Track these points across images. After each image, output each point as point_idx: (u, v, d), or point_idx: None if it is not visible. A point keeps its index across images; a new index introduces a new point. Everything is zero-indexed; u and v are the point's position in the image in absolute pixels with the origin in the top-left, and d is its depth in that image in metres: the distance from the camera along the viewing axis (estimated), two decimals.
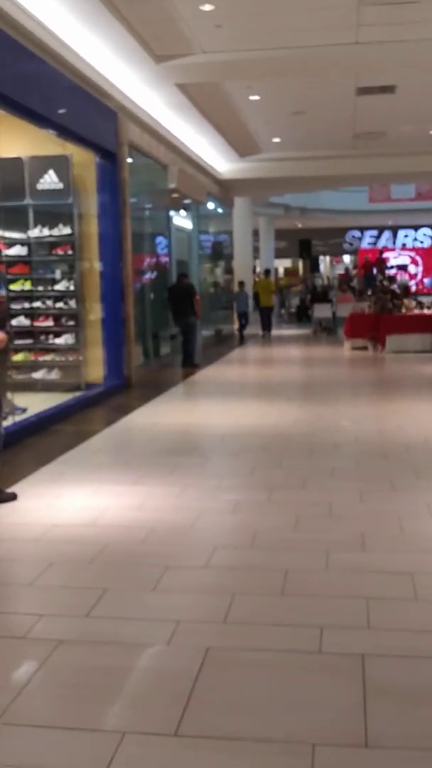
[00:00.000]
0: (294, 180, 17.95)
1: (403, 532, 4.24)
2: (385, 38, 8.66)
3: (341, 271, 33.00)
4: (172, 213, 14.68)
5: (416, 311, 14.95)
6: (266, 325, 18.73)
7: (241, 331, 18.48)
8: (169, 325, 13.09)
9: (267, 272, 20.19)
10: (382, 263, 21.18)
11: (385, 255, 33.38)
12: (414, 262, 32.51)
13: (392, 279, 15.85)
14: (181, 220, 16.18)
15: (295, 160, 16.64)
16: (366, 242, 36.57)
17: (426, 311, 14.87)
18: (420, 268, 32.37)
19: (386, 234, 36.47)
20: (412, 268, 30.88)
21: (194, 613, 3.19)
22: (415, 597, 3.31)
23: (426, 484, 5.27)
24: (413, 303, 15.06)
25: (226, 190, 18.61)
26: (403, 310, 14.81)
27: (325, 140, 15.23)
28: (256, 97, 11.52)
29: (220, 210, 19.13)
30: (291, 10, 7.79)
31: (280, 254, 35.49)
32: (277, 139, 15.00)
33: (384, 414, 8.11)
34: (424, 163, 16.33)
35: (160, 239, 13.41)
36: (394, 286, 15.06)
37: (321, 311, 19.68)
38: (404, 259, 32.24)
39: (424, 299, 15.73)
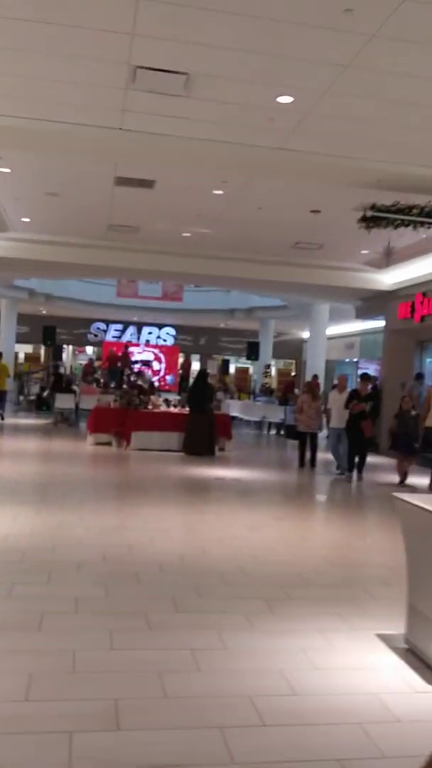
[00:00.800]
0: (41, 264, 17.13)
1: (166, 697, 3.36)
2: (149, 128, 8.39)
3: (85, 361, 32.46)
4: None
5: (162, 408, 14.66)
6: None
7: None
8: None
9: None
10: (127, 357, 20.86)
11: (130, 350, 33.70)
12: (157, 358, 33.12)
13: (140, 374, 15.51)
14: None
15: (44, 243, 15.89)
16: (111, 335, 36.69)
17: (172, 409, 14.63)
18: (163, 365, 33.04)
19: (131, 329, 36.96)
20: (155, 365, 31.32)
21: None
22: None
23: (187, 620, 4.48)
24: (160, 399, 14.77)
25: None
26: (150, 407, 14.43)
27: (79, 227, 14.75)
28: (6, 170, 10.66)
29: None
30: (57, 79, 7.19)
31: (22, 339, 34.09)
32: (26, 219, 14.17)
33: (132, 523, 7.29)
34: (173, 264, 16.53)
35: None
36: (140, 382, 14.71)
37: (63, 401, 18.69)
38: (148, 355, 32.70)
39: (171, 396, 15.53)
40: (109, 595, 4.91)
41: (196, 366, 32.78)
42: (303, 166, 9.24)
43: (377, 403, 17.69)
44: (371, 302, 18.83)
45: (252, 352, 27.16)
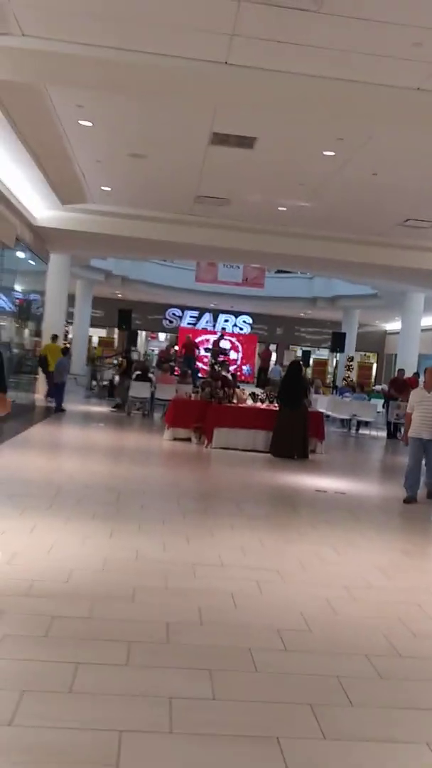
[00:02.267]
0: (121, 241, 15.77)
1: None
2: (260, 62, 6.79)
3: (160, 348, 31.20)
4: None
5: (249, 403, 13.08)
6: (57, 398, 15.99)
7: (59, 404, 15.71)
8: None
9: (54, 337, 17.65)
10: (216, 346, 19.34)
11: (205, 337, 32.27)
12: (234, 347, 31.60)
13: (224, 364, 13.99)
14: None
15: (123, 217, 14.51)
16: (186, 322, 35.42)
17: (260, 404, 13.04)
18: (240, 355, 31.50)
19: (207, 316, 35.62)
20: (232, 354, 29.76)
21: None
22: None
23: (341, 750, 2.89)
24: (246, 393, 13.20)
25: (41, 240, 16.01)
26: (235, 401, 12.87)
27: (164, 199, 13.28)
28: (88, 123, 9.23)
29: (32, 262, 16.41)
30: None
31: (96, 323, 33.13)
32: (107, 188, 12.78)
33: (229, 556, 5.72)
34: (264, 243, 14.89)
35: None
36: (226, 373, 13.20)
37: (138, 390, 17.33)
38: (225, 343, 31.18)
39: (257, 390, 13.95)
40: (218, 696, 3.36)
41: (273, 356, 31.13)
42: None
43: None
44: None
45: (337, 343, 25.24)
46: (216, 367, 13.52)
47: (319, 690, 3.53)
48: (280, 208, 13.02)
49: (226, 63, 6.84)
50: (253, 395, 13.25)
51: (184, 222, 14.47)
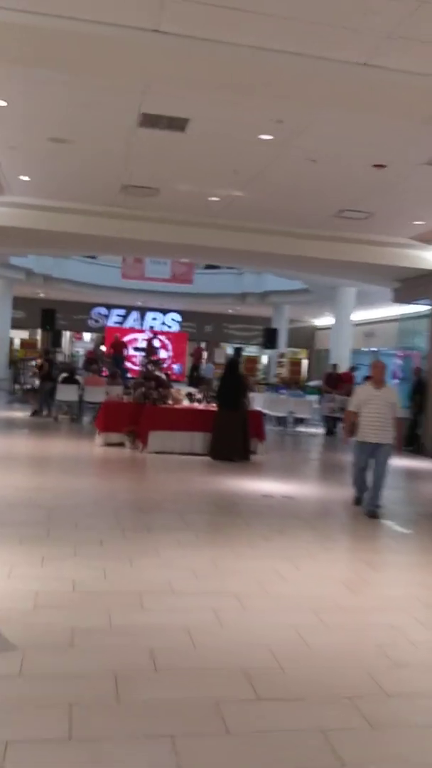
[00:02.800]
0: (42, 235, 14.78)
1: None
2: (194, 31, 6.14)
3: (87, 348, 30.23)
4: None
5: (185, 404, 12.44)
6: None
7: None
8: None
9: None
10: (150, 345, 18.54)
11: (133, 336, 31.45)
12: (164, 346, 30.83)
13: (157, 363, 13.27)
14: None
15: (46, 210, 13.58)
16: (113, 321, 34.45)
17: (196, 405, 12.41)
18: (170, 354, 30.77)
19: (134, 314, 34.77)
20: (162, 353, 28.99)
21: None
22: None
23: None
24: (182, 393, 12.54)
25: None
26: (170, 402, 12.21)
27: (87, 189, 12.44)
28: (2, 103, 8.37)
29: None
30: None
31: (17, 324, 31.77)
32: (25, 177, 11.86)
33: (180, 581, 5.08)
34: (194, 236, 14.22)
35: None
36: (158, 372, 12.49)
37: (65, 393, 16.44)
38: (155, 342, 30.38)
39: (193, 390, 13.31)
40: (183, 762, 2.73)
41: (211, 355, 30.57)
42: (387, 92, 7.03)
43: (423, 398, 15.57)
44: (413, 283, 16.60)
45: (269, 339, 24.91)
46: (149, 366, 12.78)
47: (304, 751, 2.94)
48: (211, 199, 12.40)
49: (157, 31, 6.16)
50: (190, 395, 12.61)
51: (111, 215, 13.67)
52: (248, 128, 8.73)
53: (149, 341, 21.61)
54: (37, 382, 16.30)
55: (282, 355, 29.82)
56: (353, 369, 18.73)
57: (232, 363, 12.08)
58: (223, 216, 13.52)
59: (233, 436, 11.37)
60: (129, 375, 22.57)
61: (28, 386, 17.91)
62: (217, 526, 6.88)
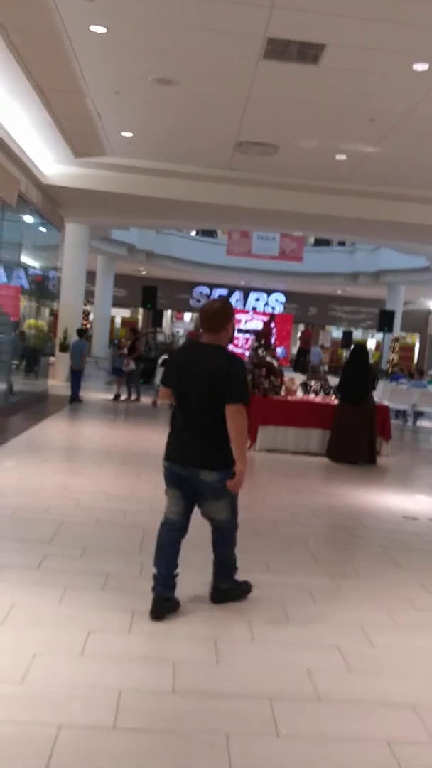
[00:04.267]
0: (143, 203, 13.48)
1: None
2: None
3: (187, 329, 29.03)
4: None
5: (299, 395, 10.81)
6: (74, 387, 13.86)
7: (76, 394, 13.70)
8: None
9: (81, 332, 15.36)
10: (267, 327, 16.91)
11: (237, 317, 30.00)
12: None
13: (269, 348, 11.72)
14: None
15: (148, 173, 12.22)
16: None
17: (313, 397, 10.75)
18: (273, 337, 29.11)
19: (237, 294, 33.32)
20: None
21: None
22: None
23: None
24: (296, 383, 10.90)
25: (52, 203, 13.79)
26: (282, 392, 10.61)
27: (197, 148, 10.94)
28: (101, 29, 6.94)
29: (43, 229, 14.21)
30: None
31: (119, 302, 30.97)
32: (127, 133, 10.50)
33: (324, 657, 3.53)
34: (312, 203, 12.50)
35: None
36: (272, 359, 10.93)
37: None
38: (257, 323, 28.81)
39: (309, 379, 11.63)
40: None
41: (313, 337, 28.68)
42: None
43: None
44: None
45: (385, 322, 22.78)
46: (260, 351, 11.22)
47: None
48: (338, 157, 10.64)
49: None
50: (305, 385, 10.96)
51: (222, 179, 12.14)
52: (399, 55, 6.93)
53: (266, 323, 19.98)
54: (131, 364, 15.01)
55: (396, 340, 27.59)
56: None
57: (360, 350, 10.31)
58: (350, 180, 11.72)
59: (358, 435, 9.66)
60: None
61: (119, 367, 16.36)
62: (358, 568, 5.23)
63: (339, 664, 3.55)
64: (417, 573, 5.15)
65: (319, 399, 10.68)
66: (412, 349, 33.58)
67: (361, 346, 10.86)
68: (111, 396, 15.10)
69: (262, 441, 10.12)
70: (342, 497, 7.58)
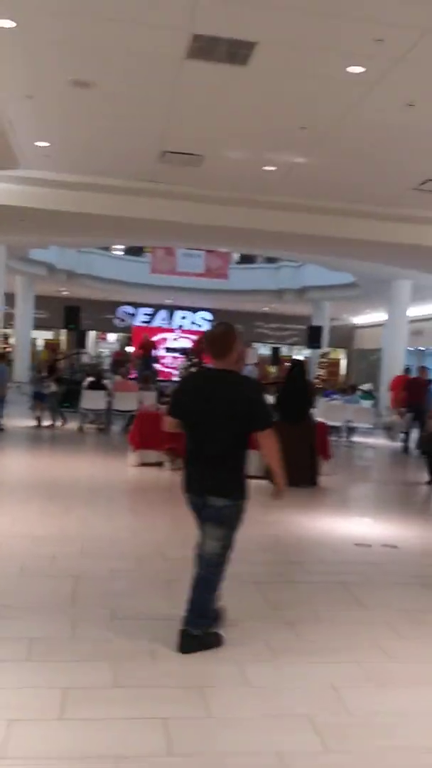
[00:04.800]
0: (62, 218, 12.74)
1: None
2: None
3: (113, 350, 28.24)
4: None
5: None
6: None
7: None
8: None
9: None
10: (199, 344, 16.32)
11: (162, 336, 29.43)
12: (195, 347, 28.74)
13: (201, 365, 11.11)
14: None
15: (66, 187, 11.49)
16: (139, 320, 32.44)
17: None
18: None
19: (162, 313, 32.74)
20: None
21: None
22: None
23: None
24: None
25: None
26: None
27: (118, 159, 10.33)
28: (10, 23, 6.29)
29: None
30: None
31: (40, 324, 29.87)
32: (43, 143, 9.81)
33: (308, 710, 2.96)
34: (238, 217, 12.07)
35: None
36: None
37: (92, 401, 14.39)
38: (185, 342, 28.32)
39: None
40: None
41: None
42: None
43: None
44: None
45: (314, 338, 22.65)
46: (193, 370, 10.66)
47: None
48: (266, 168, 10.26)
49: None
50: None
51: (144, 192, 11.56)
52: (335, 55, 6.56)
53: (197, 341, 19.40)
54: (53, 386, 14.22)
55: (324, 355, 27.60)
56: (407, 371, 16.35)
57: (297, 366, 9.89)
58: (277, 191, 11.35)
59: (298, 456, 9.17)
60: (159, 378, 20.53)
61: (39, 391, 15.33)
62: (318, 610, 4.68)
63: (313, 744, 2.98)
64: (383, 612, 4.65)
65: None
66: (338, 364, 33.81)
67: (300, 363, 10.44)
68: (34, 423, 14.21)
69: None
70: (288, 525, 7.07)
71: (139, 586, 4.93)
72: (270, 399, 10.90)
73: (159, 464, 9.98)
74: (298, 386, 9.29)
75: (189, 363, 11.48)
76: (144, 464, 10.02)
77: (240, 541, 4.98)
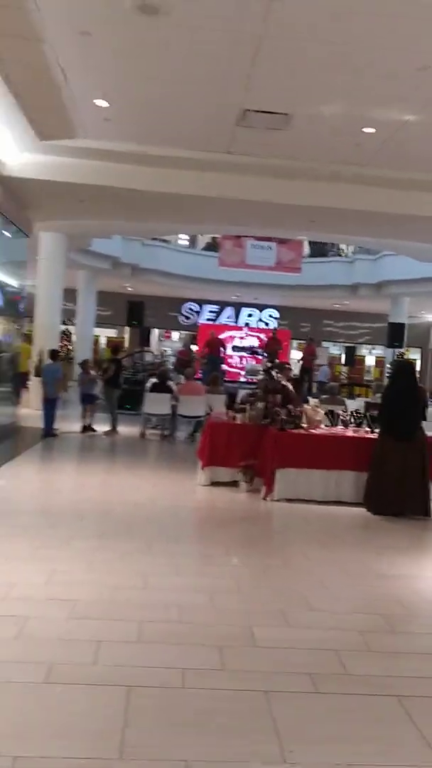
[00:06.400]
0: (126, 198, 11.29)
1: None
2: None
3: (176, 348, 26.77)
4: None
5: (325, 427, 8.58)
6: (46, 419, 11.62)
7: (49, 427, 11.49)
8: None
9: (53, 354, 12.81)
10: (272, 341, 14.68)
11: (229, 334, 27.88)
12: (262, 345, 27.05)
13: (283, 368, 9.46)
14: None
15: (129, 160, 10.05)
16: (204, 317, 30.99)
17: (343, 430, 8.53)
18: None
19: (228, 310, 31.25)
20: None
21: None
22: None
23: None
24: (320, 413, 8.66)
25: (16, 200, 11.56)
26: (304, 425, 8.37)
27: (190, 118, 8.77)
28: None
29: (6, 234, 11.97)
30: None
31: (102, 321, 28.68)
32: (102, 102, 8.33)
33: None
34: (329, 195, 10.36)
35: None
36: (284, 381, 8.66)
37: (155, 405, 12.90)
38: (252, 340, 26.69)
39: (333, 407, 9.42)
40: None
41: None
42: None
43: None
44: None
45: (396, 336, 20.65)
46: (273, 371, 9.01)
47: None
48: (365, 130, 8.53)
49: None
50: (331, 414, 8.73)
51: (219, 166, 9.98)
52: None
53: (270, 338, 17.66)
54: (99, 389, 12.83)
55: (400, 355, 25.52)
56: None
57: (405, 368, 8.11)
58: (374, 162, 9.60)
59: (406, 479, 7.45)
60: (227, 379, 19.03)
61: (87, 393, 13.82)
62: None
63: None
64: None
65: (350, 432, 8.47)
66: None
67: (408, 364, 8.68)
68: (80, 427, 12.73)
69: (282, 488, 7.91)
70: (403, 580, 5.32)
71: (222, 704, 3.29)
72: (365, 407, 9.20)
73: (233, 483, 8.39)
74: (407, 395, 7.51)
75: (269, 364, 9.77)
76: (214, 483, 8.45)
77: (360, 607, 3.23)
